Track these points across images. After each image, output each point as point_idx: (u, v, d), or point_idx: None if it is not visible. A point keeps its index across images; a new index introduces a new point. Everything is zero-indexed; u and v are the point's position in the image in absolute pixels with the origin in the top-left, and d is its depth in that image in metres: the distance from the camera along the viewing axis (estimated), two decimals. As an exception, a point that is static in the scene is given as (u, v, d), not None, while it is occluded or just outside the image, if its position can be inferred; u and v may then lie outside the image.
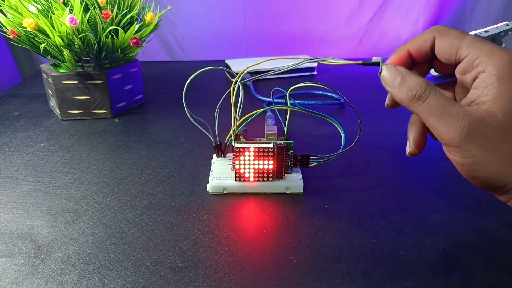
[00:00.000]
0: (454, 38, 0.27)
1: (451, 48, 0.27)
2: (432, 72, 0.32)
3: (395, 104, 0.31)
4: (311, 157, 0.40)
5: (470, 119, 0.25)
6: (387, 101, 0.31)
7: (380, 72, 0.30)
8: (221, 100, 0.42)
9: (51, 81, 0.58)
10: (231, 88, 0.39)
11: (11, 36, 0.54)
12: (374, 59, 0.31)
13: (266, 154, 0.39)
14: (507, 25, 0.77)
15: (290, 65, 0.37)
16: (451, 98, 0.27)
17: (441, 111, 0.26)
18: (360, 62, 0.32)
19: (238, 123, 0.40)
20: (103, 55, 0.58)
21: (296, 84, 0.39)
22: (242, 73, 0.39)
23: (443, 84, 0.31)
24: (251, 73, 0.77)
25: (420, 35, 0.29)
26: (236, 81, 0.39)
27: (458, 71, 0.28)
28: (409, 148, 0.32)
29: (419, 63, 0.31)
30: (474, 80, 0.26)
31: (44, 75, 0.61)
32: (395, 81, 0.28)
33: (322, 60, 0.33)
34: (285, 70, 0.37)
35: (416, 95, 0.27)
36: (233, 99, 0.39)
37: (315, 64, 0.82)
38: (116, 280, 0.30)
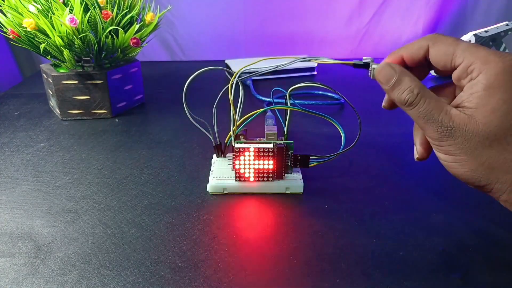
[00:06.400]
0: (449, 45, 0.27)
1: (446, 55, 0.28)
2: (433, 72, 0.32)
3: (392, 106, 0.32)
4: (311, 157, 0.40)
5: (452, 125, 0.26)
6: (384, 103, 0.32)
7: (371, 73, 0.31)
8: (217, 99, 0.42)
9: (51, 81, 0.58)
10: (229, 85, 0.39)
11: (11, 36, 0.54)
12: (364, 59, 0.31)
13: (266, 154, 0.39)
14: (507, 25, 0.77)
15: (284, 63, 0.38)
16: (440, 101, 0.28)
17: (428, 116, 0.27)
18: (351, 63, 0.32)
19: (238, 123, 0.40)
20: (103, 55, 0.58)
21: (296, 84, 0.39)
22: (239, 71, 0.39)
23: (443, 85, 0.31)
24: (250, 73, 0.77)
25: (414, 42, 0.29)
26: (233, 80, 0.39)
27: (454, 77, 0.28)
28: (417, 153, 0.32)
29: (414, 67, 0.31)
30: None
31: (44, 75, 0.61)
32: (389, 82, 0.29)
33: (315, 59, 0.34)
34: (280, 68, 0.38)
35: (408, 101, 0.28)
36: (231, 97, 0.39)
37: (315, 64, 0.82)
38: (116, 280, 0.30)
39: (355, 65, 0.32)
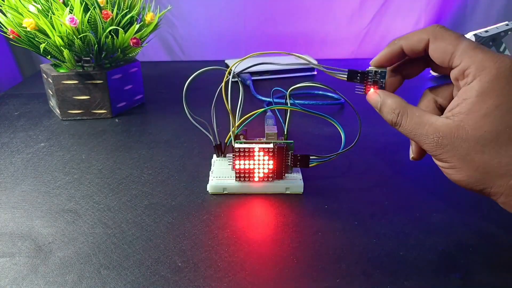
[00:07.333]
0: (449, 44, 0.27)
1: (445, 54, 0.28)
2: (432, 72, 0.32)
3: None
4: (311, 157, 0.40)
5: (438, 136, 0.27)
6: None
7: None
8: (214, 98, 0.42)
9: (51, 81, 0.58)
10: (223, 84, 0.39)
11: (11, 36, 0.54)
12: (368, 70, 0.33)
13: (266, 154, 0.39)
14: (507, 25, 0.77)
15: (283, 64, 0.37)
16: (422, 115, 0.29)
17: (414, 132, 0.29)
18: (345, 78, 0.34)
19: (238, 123, 0.40)
20: (103, 55, 0.58)
21: (296, 84, 0.39)
22: (232, 66, 0.39)
23: (442, 86, 0.32)
24: (251, 73, 0.77)
25: (415, 33, 0.30)
26: (227, 76, 0.39)
27: (452, 76, 0.29)
28: (413, 152, 0.33)
29: (413, 59, 0.31)
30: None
31: (44, 75, 0.61)
32: (377, 107, 0.32)
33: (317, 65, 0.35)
34: (278, 66, 0.38)
35: (392, 121, 0.30)
36: (225, 97, 0.39)
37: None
38: (116, 280, 0.30)
39: (348, 79, 0.34)
